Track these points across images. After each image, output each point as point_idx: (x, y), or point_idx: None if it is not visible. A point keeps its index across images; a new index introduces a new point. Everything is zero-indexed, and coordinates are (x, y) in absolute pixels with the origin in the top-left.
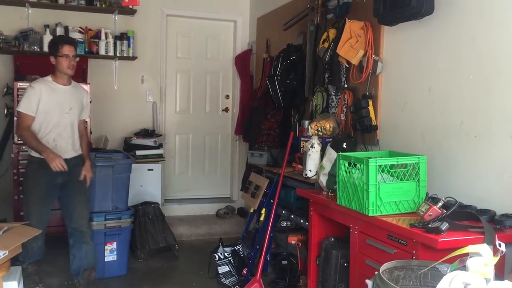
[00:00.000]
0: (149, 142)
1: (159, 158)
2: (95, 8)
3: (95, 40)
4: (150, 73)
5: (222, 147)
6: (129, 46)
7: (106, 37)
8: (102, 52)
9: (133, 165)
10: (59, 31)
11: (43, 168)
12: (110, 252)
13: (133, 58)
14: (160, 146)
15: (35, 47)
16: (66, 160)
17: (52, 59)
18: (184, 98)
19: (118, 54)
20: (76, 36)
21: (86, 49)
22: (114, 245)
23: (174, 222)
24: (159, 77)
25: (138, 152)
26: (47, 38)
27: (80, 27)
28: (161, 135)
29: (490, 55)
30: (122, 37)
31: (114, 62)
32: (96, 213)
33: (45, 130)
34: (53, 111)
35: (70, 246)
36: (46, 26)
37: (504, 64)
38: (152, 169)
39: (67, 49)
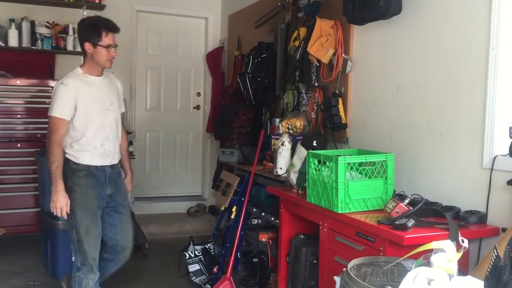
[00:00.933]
0: None
1: (129, 156)
2: (62, 3)
3: (63, 35)
4: (119, 69)
5: (193, 144)
6: None
7: (74, 32)
8: (70, 47)
9: None
10: (25, 26)
11: (91, 177)
12: None
13: None
14: (130, 143)
15: (0, 42)
16: (112, 167)
17: (87, 46)
18: (154, 95)
19: None
20: (43, 31)
21: (53, 45)
22: None
23: (144, 221)
24: (129, 74)
25: None
26: (13, 33)
27: (47, 22)
28: (131, 132)
29: (455, 55)
30: None
31: (82, 58)
32: None
33: (90, 135)
34: (95, 110)
35: (105, 259)
36: (12, 20)
37: (468, 64)
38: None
39: (111, 38)
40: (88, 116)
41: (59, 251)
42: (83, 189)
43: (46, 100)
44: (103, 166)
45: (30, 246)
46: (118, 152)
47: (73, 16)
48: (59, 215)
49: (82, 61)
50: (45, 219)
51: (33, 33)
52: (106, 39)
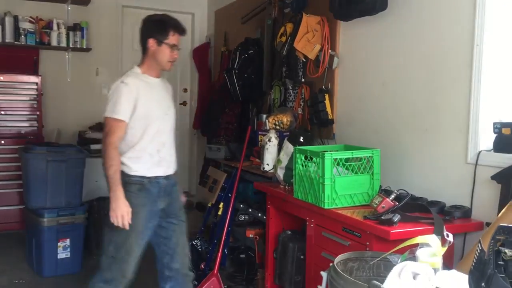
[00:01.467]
0: None
1: None
2: None
3: (47, 30)
4: (105, 65)
5: (180, 141)
6: (82, 37)
7: (59, 28)
8: (54, 43)
9: (87, 159)
10: (8, 21)
11: (143, 192)
12: (63, 249)
13: (87, 49)
14: None
15: None
16: (167, 178)
17: (151, 42)
18: None
19: (71, 45)
20: (27, 26)
21: (37, 40)
22: (68, 241)
23: None
24: (115, 70)
25: (93, 147)
26: None
27: (31, 17)
28: None
29: (440, 51)
30: (75, 27)
31: (67, 53)
32: (48, 209)
33: (147, 140)
34: (154, 114)
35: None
36: None
37: (453, 60)
38: None
39: (177, 39)
40: (147, 119)
41: (44, 248)
42: (133, 207)
43: (30, 96)
44: (157, 177)
45: (14, 243)
46: (174, 162)
47: (57, 11)
48: (120, 224)
49: (141, 60)
50: (30, 216)
51: (16, 28)
52: (173, 39)
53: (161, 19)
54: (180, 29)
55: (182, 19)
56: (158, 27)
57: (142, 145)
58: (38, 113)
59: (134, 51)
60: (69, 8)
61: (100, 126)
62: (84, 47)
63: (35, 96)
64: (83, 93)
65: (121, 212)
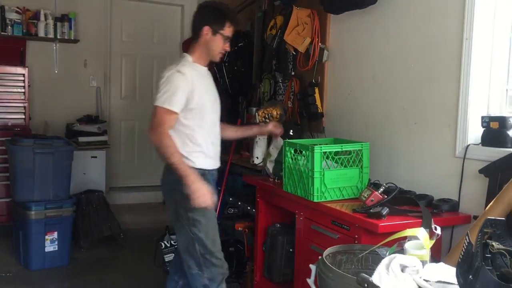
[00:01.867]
0: (93, 128)
1: (103, 145)
2: None
3: (34, 21)
4: (93, 57)
5: None
6: (70, 28)
7: (46, 18)
8: (41, 34)
9: (75, 152)
10: None
11: (206, 182)
12: (51, 242)
13: (75, 41)
14: (104, 132)
15: None
16: (217, 171)
17: (206, 30)
18: (129, 84)
19: (58, 37)
20: (13, 16)
21: (24, 31)
22: (55, 234)
23: (119, 211)
24: (103, 62)
25: (81, 139)
26: None
27: (18, 7)
28: (105, 121)
29: (430, 44)
30: (63, 18)
31: (54, 44)
32: (35, 202)
33: (204, 133)
34: (208, 105)
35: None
36: None
37: (442, 54)
38: (95, 157)
39: (231, 32)
40: (202, 111)
41: (31, 241)
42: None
43: (17, 88)
44: (212, 169)
45: (1, 237)
46: (219, 155)
47: (44, 2)
48: (205, 204)
49: (191, 48)
50: (17, 209)
51: (3, 18)
52: (228, 30)
53: (220, 8)
54: (236, 22)
55: (171, 11)
56: (216, 16)
57: (200, 138)
58: (25, 105)
59: (123, 43)
60: None
61: (90, 119)
62: (72, 38)
63: (22, 87)
64: (71, 85)
65: (203, 191)
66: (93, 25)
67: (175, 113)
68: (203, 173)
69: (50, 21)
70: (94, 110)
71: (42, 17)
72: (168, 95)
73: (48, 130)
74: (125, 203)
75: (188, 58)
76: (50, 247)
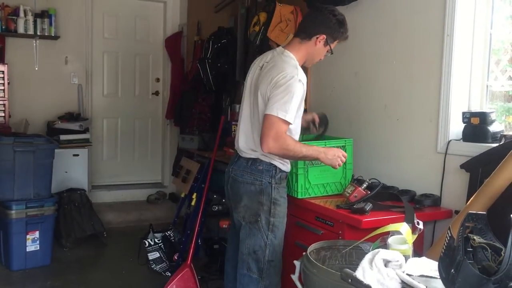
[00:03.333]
0: (74, 126)
1: (85, 143)
2: None
3: (13, 17)
4: (74, 54)
5: (152, 131)
6: (50, 24)
7: (25, 15)
8: (21, 30)
9: (57, 150)
10: None
11: (285, 185)
12: (32, 242)
13: (56, 37)
14: (86, 130)
15: None
16: None
17: (322, 38)
18: (112, 81)
19: (38, 33)
20: None
21: (3, 27)
22: (37, 234)
23: (102, 209)
24: (85, 58)
25: (62, 137)
26: None
27: None
28: (87, 119)
29: (411, 41)
30: (43, 15)
31: (34, 41)
32: (16, 201)
33: (296, 137)
34: (301, 116)
35: None
36: None
37: (424, 50)
38: (77, 155)
39: (334, 46)
40: (300, 118)
41: (12, 241)
42: (286, 201)
43: None
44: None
45: None
46: None
47: None
48: (341, 162)
49: (295, 46)
50: None
51: None
52: (335, 45)
53: (344, 22)
54: (345, 40)
55: (154, 8)
56: (337, 27)
57: (295, 138)
58: (4, 102)
59: (104, 40)
60: None
61: (71, 116)
62: (53, 34)
63: (2, 85)
64: (51, 82)
65: (337, 153)
66: (74, 21)
67: (289, 124)
68: (286, 176)
69: (30, 17)
70: (75, 108)
71: (21, 13)
72: (289, 106)
73: (29, 128)
74: (108, 202)
75: (296, 62)
76: (31, 247)
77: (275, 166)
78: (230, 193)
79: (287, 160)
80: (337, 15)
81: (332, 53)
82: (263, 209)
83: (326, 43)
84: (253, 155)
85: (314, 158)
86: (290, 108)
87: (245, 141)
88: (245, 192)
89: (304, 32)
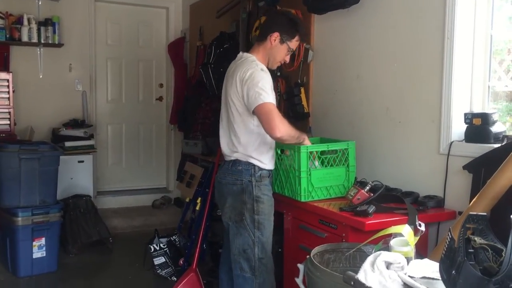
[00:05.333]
0: (79, 133)
1: (90, 149)
2: None
3: (17, 26)
4: (78, 61)
5: (157, 136)
6: (54, 32)
7: (29, 23)
8: (25, 38)
9: (62, 157)
10: None
11: (271, 185)
12: (39, 248)
13: (59, 45)
14: (91, 137)
15: None
16: None
17: (275, 36)
18: (116, 87)
19: (42, 41)
20: None
21: (8, 36)
22: (43, 240)
23: (108, 215)
24: (89, 65)
25: (67, 144)
26: None
27: (0, 12)
28: (91, 125)
29: (412, 44)
30: (47, 23)
31: (38, 49)
32: (22, 208)
33: None
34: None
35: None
36: None
37: (425, 53)
38: (82, 161)
39: (296, 46)
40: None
41: (19, 248)
42: (270, 199)
43: (1, 94)
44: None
45: None
46: None
47: (27, 6)
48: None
49: (254, 48)
50: (3, 216)
51: None
52: (294, 43)
53: (294, 19)
54: (304, 39)
55: (156, 14)
56: (289, 26)
57: (271, 143)
58: (10, 110)
59: (108, 46)
60: (39, 3)
61: (76, 123)
62: (56, 42)
63: (7, 93)
64: (56, 90)
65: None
66: (77, 28)
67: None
68: (269, 175)
69: (34, 26)
70: (80, 114)
71: (25, 22)
72: (267, 90)
73: (34, 136)
74: (114, 207)
75: (253, 58)
76: (38, 253)
77: (254, 165)
78: (217, 196)
79: (267, 158)
80: (288, 14)
81: (293, 51)
82: (247, 208)
83: (282, 41)
84: (233, 156)
85: (297, 143)
86: (267, 91)
87: (226, 145)
88: (229, 193)
89: (260, 34)
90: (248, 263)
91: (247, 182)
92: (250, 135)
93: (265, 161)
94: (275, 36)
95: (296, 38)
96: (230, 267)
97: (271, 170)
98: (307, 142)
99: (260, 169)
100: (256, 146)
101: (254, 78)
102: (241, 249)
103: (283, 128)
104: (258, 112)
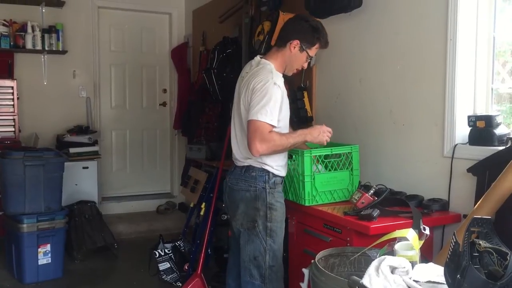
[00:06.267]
0: (83, 139)
1: (94, 155)
2: (20, 0)
3: (21, 33)
4: (82, 67)
5: (160, 142)
6: (58, 39)
7: (33, 30)
8: (29, 46)
9: (66, 163)
10: None
11: (281, 190)
12: (44, 255)
13: (63, 52)
14: (95, 143)
15: None
16: None
17: (295, 44)
18: (119, 93)
19: (46, 48)
20: (0, 29)
21: (12, 43)
22: (48, 247)
23: (113, 221)
24: (92, 72)
25: (72, 150)
26: None
27: (4, 20)
28: (96, 131)
29: (415, 46)
30: (51, 30)
31: (42, 56)
32: (27, 215)
33: None
34: (288, 113)
35: None
36: None
37: (428, 55)
38: (87, 167)
39: (315, 53)
40: (285, 121)
41: (24, 255)
42: (283, 206)
43: (6, 101)
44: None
45: None
46: None
47: (31, 14)
48: (328, 138)
49: (271, 54)
50: (9, 223)
51: None
52: (314, 51)
53: (317, 27)
54: (325, 45)
55: (159, 20)
56: (310, 33)
57: (280, 154)
58: (14, 117)
59: (111, 53)
60: (43, 10)
61: (80, 129)
62: (60, 49)
63: (11, 100)
64: (60, 96)
65: (321, 129)
66: (81, 35)
67: (272, 126)
68: (282, 181)
69: (38, 33)
70: (84, 121)
71: (29, 29)
72: (268, 108)
73: (38, 142)
74: (118, 213)
75: (271, 66)
76: (43, 260)
77: (268, 172)
78: (228, 202)
79: (281, 165)
80: (309, 21)
81: (311, 58)
82: (260, 215)
83: (302, 49)
84: (246, 162)
85: (303, 142)
86: (270, 110)
87: (239, 150)
88: (241, 199)
89: (280, 40)
90: (258, 270)
91: (261, 188)
92: None
93: (279, 168)
94: (295, 43)
95: (317, 45)
96: (238, 274)
97: (283, 177)
98: (311, 137)
99: (274, 175)
100: (270, 155)
101: (262, 92)
102: (251, 256)
103: (262, 148)
104: (248, 125)
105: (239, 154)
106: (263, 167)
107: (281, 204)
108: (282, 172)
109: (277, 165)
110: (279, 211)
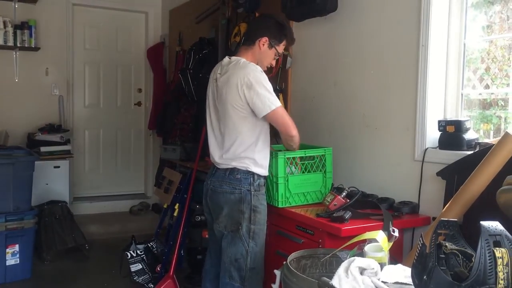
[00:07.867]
0: (55, 137)
1: (66, 154)
2: None
3: None
4: (55, 65)
5: (135, 142)
6: (30, 36)
7: (5, 26)
8: (0, 42)
9: (37, 162)
10: None
11: (264, 192)
12: (12, 255)
13: (36, 48)
14: (67, 142)
15: None
16: None
17: (264, 41)
18: (93, 92)
19: (18, 44)
20: None
21: None
22: (17, 247)
23: (85, 221)
24: (66, 69)
25: (43, 149)
26: None
27: None
28: (68, 130)
29: (388, 51)
30: (23, 26)
31: (14, 52)
32: None
33: (269, 135)
34: None
35: None
36: None
37: (400, 60)
38: (58, 166)
39: (282, 50)
40: None
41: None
42: (265, 208)
43: None
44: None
45: None
46: None
47: (3, 9)
48: None
49: (243, 52)
50: None
51: None
52: (281, 47)
53: (284, 24)
54: (291, 42)
55: (135, 19)
56: (278, 30)
57: (267, 140)
58: None
59: (86, 51)
60: (16, 6)
61: (52, 128)
62: (33, 46)
63: None
64: (32, 94)
65: None
66: (55, 32)
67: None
68: (265, 183)
69: (10, 29)
70: (56, 119)
71: (1, 25)
72: (271, 93)
73: (9, 140)
74: (91, 213)
75: (247, 61)
76: (11, 260)
77: (253, 173)
78: (210, 205)
79: (265, 165)
80: (275, 18)
81: (280, 55)
82: (244, 217)
83: (271, 46)
84: (230, 165)
85: None
86: (273, 95)
87: (220, 154)
88: (226, 202)
89: (248, 39)
90: (239, 273)
91: (246, 191)
92: (252, 139)
93: (264, 169)
94: (264, 40)
95: (284, 42)
96: (216, 276)
97: (266, 177)
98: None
99: (259, 177)
100: (257, 151)
101: (258, 82)
102: (233, 258)
103: (295, 127)
104: (271, 118)
105: (221, 158)
106: (248, 169)
107: (265, 206)
108: (265, 171)
109: (261, 165)
110: (263, 213)
